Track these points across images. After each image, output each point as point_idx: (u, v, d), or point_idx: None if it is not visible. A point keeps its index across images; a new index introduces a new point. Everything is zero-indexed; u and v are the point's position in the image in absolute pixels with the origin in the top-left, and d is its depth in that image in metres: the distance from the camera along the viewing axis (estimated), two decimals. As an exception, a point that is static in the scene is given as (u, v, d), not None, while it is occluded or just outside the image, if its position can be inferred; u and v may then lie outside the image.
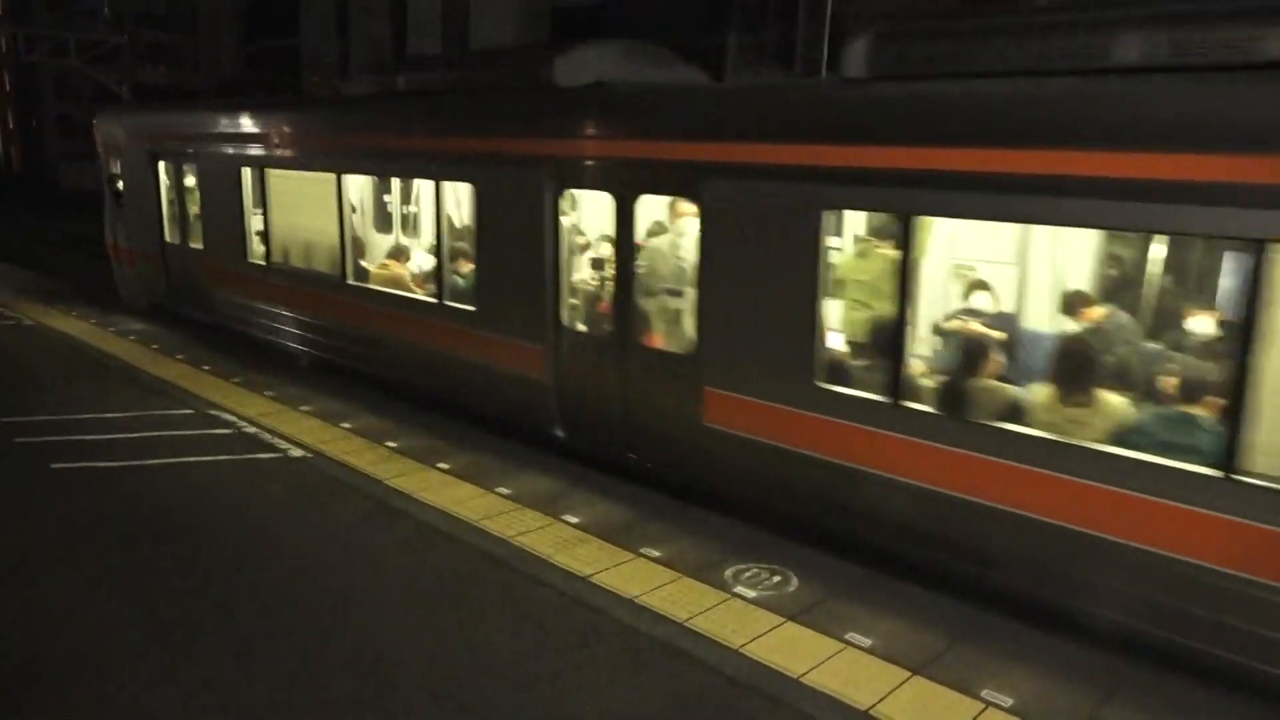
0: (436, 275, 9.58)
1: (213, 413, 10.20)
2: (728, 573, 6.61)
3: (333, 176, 10.62)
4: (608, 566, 6.68)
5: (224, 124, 12.66)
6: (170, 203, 14.04)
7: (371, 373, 10.79)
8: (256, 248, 12.37)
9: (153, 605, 6.10)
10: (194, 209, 13.54)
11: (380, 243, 11.40)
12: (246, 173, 12.20)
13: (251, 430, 9.63)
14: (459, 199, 9.80)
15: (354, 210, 10.99)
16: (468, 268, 9.38)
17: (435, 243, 9.55)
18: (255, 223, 12.45)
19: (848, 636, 5.75)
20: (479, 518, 7.51)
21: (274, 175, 11.81)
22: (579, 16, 34.74)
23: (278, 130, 11.65)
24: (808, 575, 6.57)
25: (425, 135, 9.56)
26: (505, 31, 36.52)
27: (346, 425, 9.86)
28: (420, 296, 9.95)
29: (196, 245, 13.54)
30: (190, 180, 13.50)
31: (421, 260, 10.50)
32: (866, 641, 5.70)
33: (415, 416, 10.07)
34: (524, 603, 6.21)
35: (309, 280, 11.46)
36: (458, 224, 9.87)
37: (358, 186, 11.03)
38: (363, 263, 10.99)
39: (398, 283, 10.40)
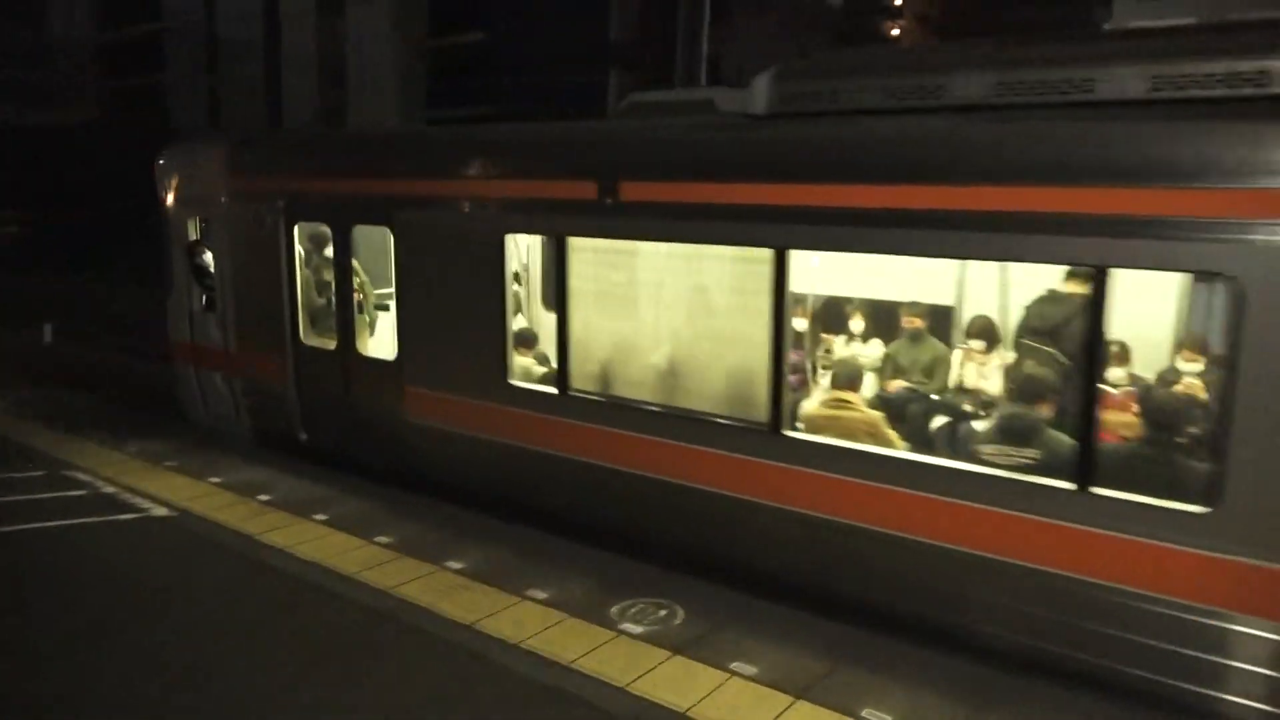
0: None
1: (67, 473, 9.57)
2: (614, 610, 6.56)
3: (768, 253, 6.17)
4: (492, 612, 6.54)
5: (467, 163, 7.95)
6: (315, 285, 9.43)
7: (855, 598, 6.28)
8: (531, 365, 8.02)
9: (-7, 687, 5.63)
10: (368, 295, 9.34)
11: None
12: (516, 243, 8.10)
13: (110, 490, 9.07)
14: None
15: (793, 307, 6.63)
16: None
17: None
18: (534, 322, 8.89)
19: (733, 666, 5.77)
20: (358, 570, 7.25)
21: (594, 249, 7.30)
22: (460, 55, 34.72)
23: (626, 177, 6.88)
24: (693, 607, 6.58)
25: None
26: (383, 71, 36.20)
27: (215, 480, 9.40)
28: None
29: (379, 354, 8.82)
30: (364, 250, 9.05)
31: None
32: (751, 670, 5.74)
33: (295, 467, 9.69)
34: (406, 655, 6.01)
35: (688, 427, 6.72)
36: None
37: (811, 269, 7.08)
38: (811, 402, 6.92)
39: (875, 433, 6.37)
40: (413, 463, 8.54)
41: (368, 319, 9.35)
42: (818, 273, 7.39)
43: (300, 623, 6.49)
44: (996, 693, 5.51)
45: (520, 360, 7.96)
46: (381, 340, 9.10)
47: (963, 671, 5.67)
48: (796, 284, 6.32)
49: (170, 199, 10.40)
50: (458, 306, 7.95)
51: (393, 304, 8.57)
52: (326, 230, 9.15)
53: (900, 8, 64.43)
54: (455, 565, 7.34)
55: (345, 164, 9.11)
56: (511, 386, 7.69)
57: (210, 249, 9.94)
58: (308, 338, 9.29)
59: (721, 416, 6.57)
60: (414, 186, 8.28)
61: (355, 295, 9.03)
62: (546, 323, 8.29)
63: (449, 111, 33.37)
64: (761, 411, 6.31)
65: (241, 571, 7.36)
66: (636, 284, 7.35)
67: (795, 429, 6.33)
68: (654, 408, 6.93)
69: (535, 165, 7.58)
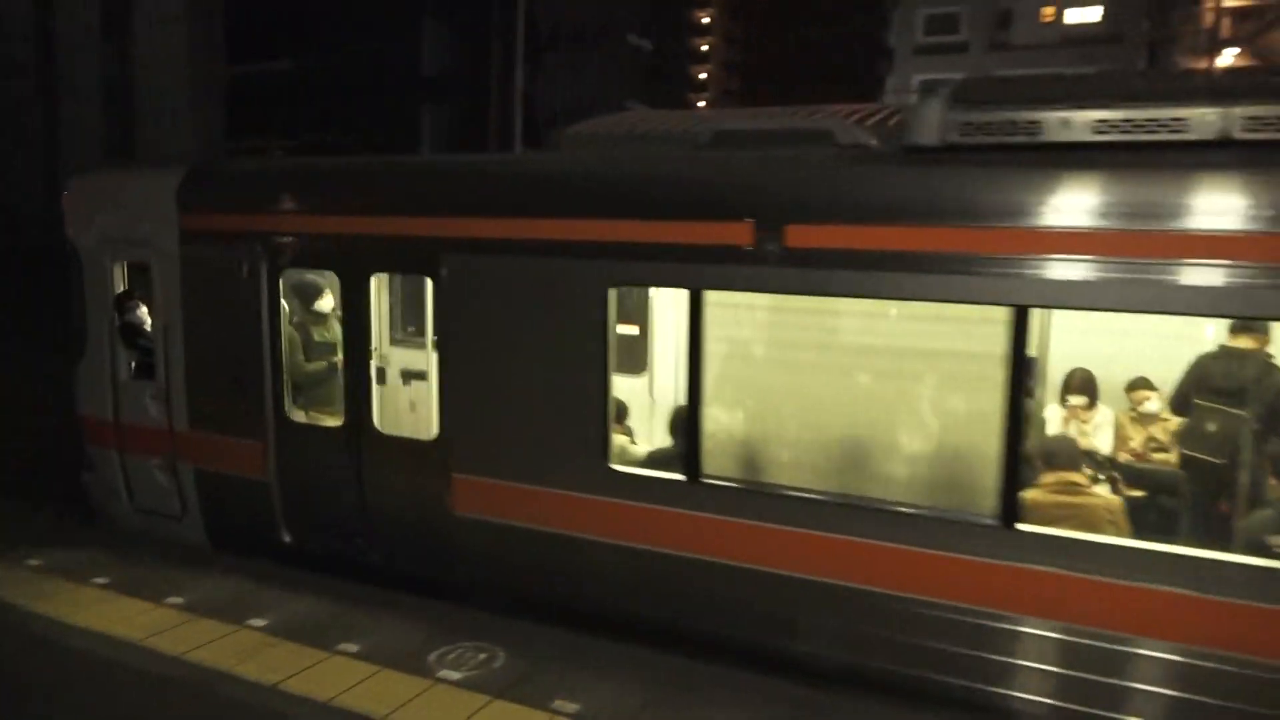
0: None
1: None
2: (432, 657, 6.32)
3: (1002, 312, 5.14)
4: (299, 670, 6.14)
5: (551, 199, 6.45)
6: (304, 347, 7.74)
7: None
8: (635, 445, 6.88)
9: None
10: (389, 360, 7.94)
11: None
12: (619, 298, 6.34)
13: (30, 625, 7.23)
14: None
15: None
16: None
17: None
18: (630, 392, 7.35)
19: (554, 705, 5.69)
20: (144, 636, 6.63)
21: (742, 305, 6.12)
22: (265, 84, 33.25)
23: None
24: (514, 648, 6.45)
25: None
26: (178, 100, 34.09)
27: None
28: None
29: (409, 433, 7.33)
30: (382, 304, 7.75)
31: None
32: (573, 707, 5.67)
33: (67, 524, 8.76)
34: (199, 725, 5.53)
35: (889, 522, 5.49)
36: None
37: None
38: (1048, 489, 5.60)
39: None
40: (459, 566, 6.83)
41: (386, 389, 7.60)
42: (1060, 333, 6.16)
43: (75, 699, 5.85)
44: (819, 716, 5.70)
45: (621, 440, 6.54)
46: (411, 415, 7.70)
47: (792, 695, 5.84)
48: (1038, 347, 5.60)
49: (85, 240, 8.07)
50: (533, 375, 6.35)
51: (430, 370, 7.25)
52: (324, 280, 7.72)
53: (707, 53, 67.62)
54: (259, 623, 6.85)
55: (361, 199, 7.13)
56: (613, 472, 6.15)
57: (146, 303, 8.01)
58: (293, 412, 7.43)
59: (929, 508, 5.41)
60: (470, 227, 6.53)
61: (372, 359, 7.23)
62: (639, 393, 7.26)
63: (251, 143, 31.84)
64: (988, 502, 5.18)
65: (5, 643, 6.56)
66: (802, 346, 6.20)
67: (1032, 520, 5.16)
68: (836, 498, 5.62)
69: (658, 203, 5.99)
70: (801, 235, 5.48)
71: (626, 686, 5.93)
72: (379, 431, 7.04)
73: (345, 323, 7.22)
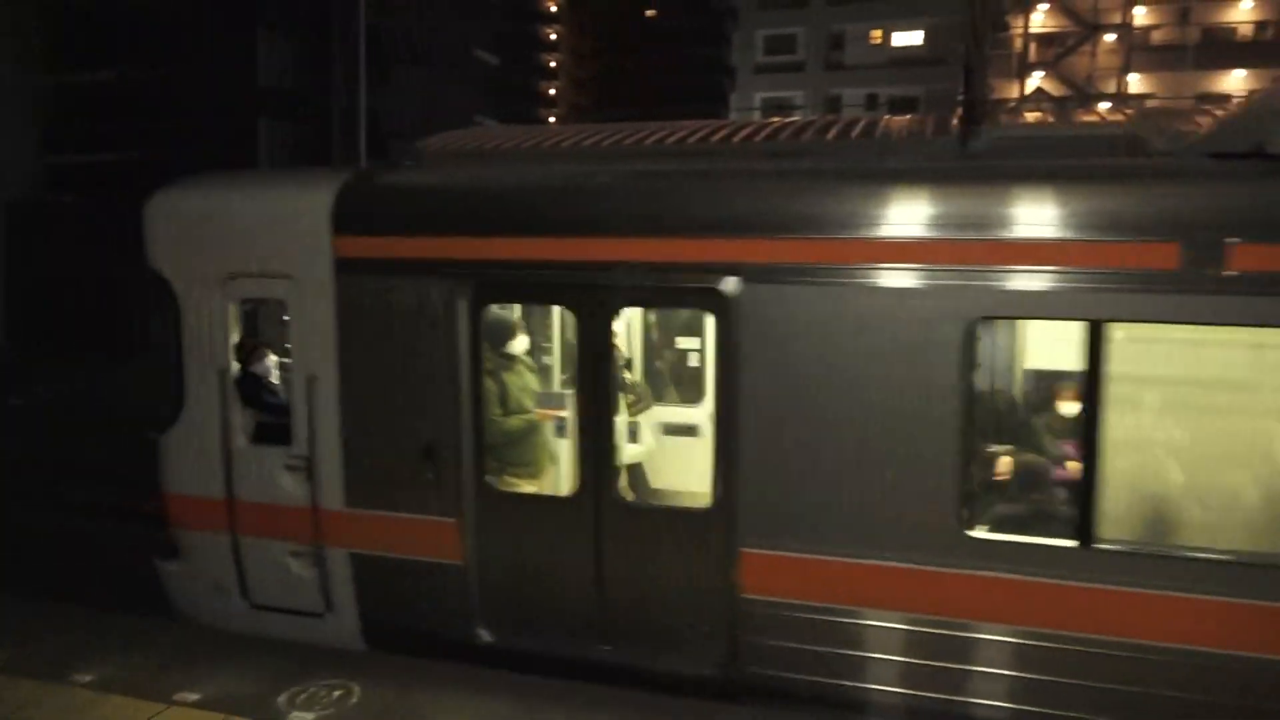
0: None
1: None
2: (281, 699, 6.07)
3: None
4: (130, 726, 5.75)
5: (901, 212, 5.19)
6: (508, 400, 6.36)
7: None
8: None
9: None
10: (644, 413, 6.99)
11: None
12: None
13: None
14: None
15: None
16: None
17: None
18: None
19: (414, 738, 5.56)
20: (-48, 703, 6.04)
21: (1161, 340, 5.30)
22: (90, 96, 30.98)
23: None
24: (371, 682, 6.26)
25: None
26: (-17, 110, 31.33)
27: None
28: None
29: (672, 501, 6.61)
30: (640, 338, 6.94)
31: None
32: (434, 738, 5.56)
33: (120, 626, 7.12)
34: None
35: None
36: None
37: None
38: None
39: None
40: (741, 663, 5.55)
41: (636, 449, 6.63)
42: None
43: None
44: None
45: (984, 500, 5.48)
46: (673, 479, 6.75)
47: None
48: None
49: (184, 273, 6.36)
50: (862, 426, 5.20)
51: (702, 424, 6.33)
52: (529, 318, 6.66)
53: (555, 69, 67.86)
54: (86, 678, 6.38)
55: (618, 214, 5.67)
56: (971, 540, 5.08)
57: (277, 351, 6.74)
58: (499, 480, 6.16)
59: None
60: (777, 249, 5.28)
61: (624, 411, 6.15)
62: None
63: (74, 158, 29.64)
64: None
65: None
66: (1249, 388, 5.24)
67: None
68: None
69: (1047, 221, 4.92)
70: (1249, 257, 4.65)
71: (491, 711, 5.87)
72: (625, 501, 5.93)
73: (588, 369, 5.79)
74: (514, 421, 6.28)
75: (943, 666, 5.16)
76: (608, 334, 5.73)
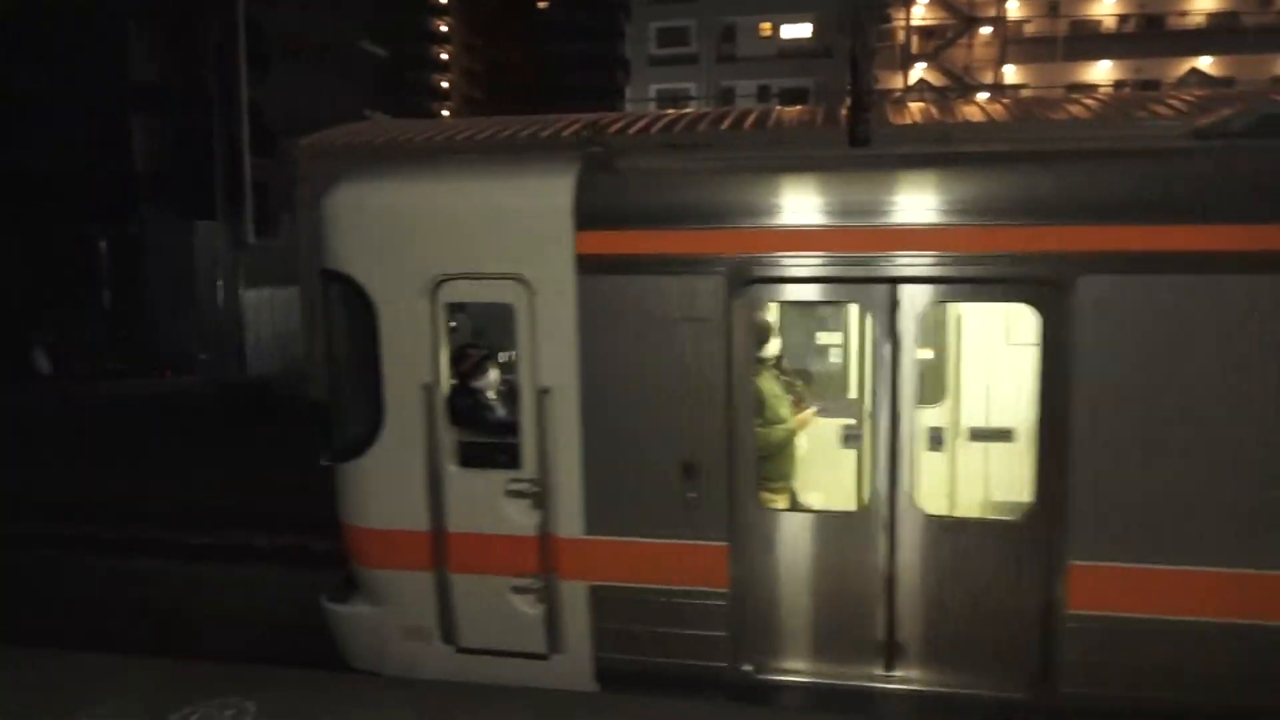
0: None
1: None
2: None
3: None
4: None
5: None
6: (774, 401, 5.93)
7: None
8: None
9: None
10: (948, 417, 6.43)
11: None
12: None
13: None
14: None
15: None
16: None
17: None
18: None
19: (316, 753, 5.36)
20: None
21: None
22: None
23: None
24: (267, 697, 6.00)
25: None
26: None
27: None
28: None
29: (984, 513, 6.23)
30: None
31: None
32: (337, 751, 5.37)
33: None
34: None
35: None
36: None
37: None
38: None
39: None
40: (1068, 682, 5.05)
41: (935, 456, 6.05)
42: None
43: None
44: None
45: None
46: (978, 488, 6.24)
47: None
48: None
49: (382, 275, 5.58)
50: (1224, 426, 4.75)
51: (1018, 428, 5.85)
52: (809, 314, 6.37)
53: (448, 62, 66.72)
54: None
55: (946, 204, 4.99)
56: None
57: (507, 358, 6.01)
58: (769, 498, 5.72)
59: None
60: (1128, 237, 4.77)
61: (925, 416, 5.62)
62: None
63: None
64: None
65: None
66: None
67: None
68: None
69: None
70: None
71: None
72: (926, 513, 5.32)
73: (881, 368, 5.25)
74: (778, 432, 5.81)
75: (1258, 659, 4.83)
76: (912, 332, 5.16)
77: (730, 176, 5.43)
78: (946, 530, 5.33)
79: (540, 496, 5.45)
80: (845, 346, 6.66)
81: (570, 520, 5.43)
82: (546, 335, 5.36)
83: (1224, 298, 4.65)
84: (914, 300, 5.12)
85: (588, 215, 5.26)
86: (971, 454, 6.40)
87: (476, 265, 5.41)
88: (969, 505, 6.26)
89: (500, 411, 5.89)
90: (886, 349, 5.19)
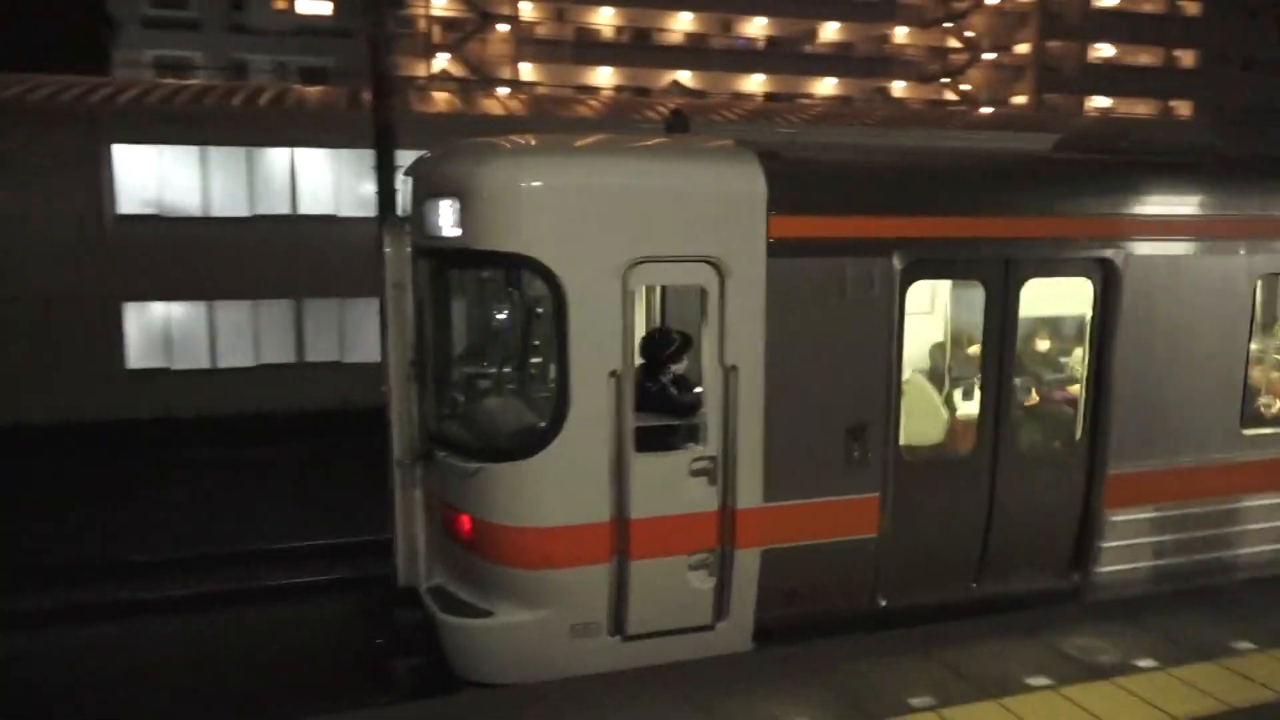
0: None
1: None
2: None
3: None
4: None
5: None
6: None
7: None
8: None
9: None
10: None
11: None
12: None
13: None
14: None
15: None
16: None
17: None
18: None
19: None
20: None
21: None
22: None
23: None
24: None
25: None
26: None
27: None
28: None
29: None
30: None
31: None
32: None
33: None
34: None
35: None
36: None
37: None
38: None
39: None
40: (1104, 567, 6.55)
41: None
42: None
43: None
44: None
45: None
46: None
47: None
48: None
49: (574, 262, 5.11)
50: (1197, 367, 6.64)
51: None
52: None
53: None
54: None
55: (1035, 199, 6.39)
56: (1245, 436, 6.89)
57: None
58: (907, 449, 6.23)
59: None
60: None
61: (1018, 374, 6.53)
62: None
63: None
64: None
65: None
66: None
67: None
68: None
69: None
70: None
71: None
72: (1018, 451, 6.38)
73: (991, 338, 6.25)
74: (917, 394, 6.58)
75: (1220, 530, 6.73)
76: (1016, 305, 6.14)
77: (905, 174, 6.19)
78: (1028, 462, 6.39)
79: (722, 472, 5.52)
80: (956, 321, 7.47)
81: (750, 491, 5.59)
82: (736, 315, 5.46)
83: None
84: (1015, 278, 6.16)
85: (779, 202, 5.49)
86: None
87: (669, 249, 5.37)
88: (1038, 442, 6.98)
89: (685, 393, 5.75)
90: (997, 320, 6.19)
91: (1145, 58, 55.17)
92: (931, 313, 7.38)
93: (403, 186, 6.46)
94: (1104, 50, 55.01)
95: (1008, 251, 6.08)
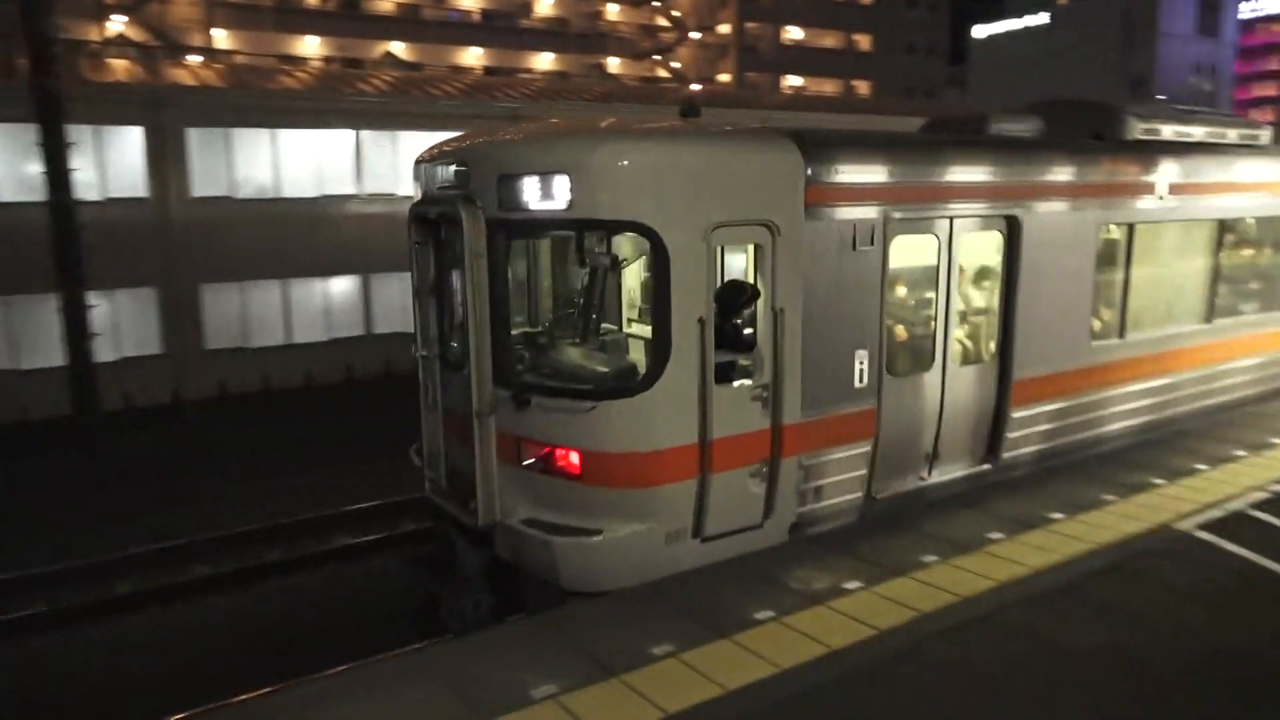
0: None
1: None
2: None
3: None
4: None
5: None
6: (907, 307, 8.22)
7: None
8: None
9: None
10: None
11: None
12: None
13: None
14: None
15: None
16: None
17: None
18: None
19: None
20: None
21: None
22: None
23: None
24: None
25: None
26: None
27: None
28: None
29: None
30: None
31: None
32: None
33: None
34: None
35: None
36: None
37: None
38: None
39: None
40: (1008, 451, 8.51)
41: None
42: None
43: None
44: None
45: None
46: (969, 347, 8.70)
47: None
48: None
49: (670, 226, 6.20)
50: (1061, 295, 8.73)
51: (992, 307, 8.52)
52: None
53: None
54: None
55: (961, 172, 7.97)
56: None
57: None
58: (895, 370, 7.73)
59: None
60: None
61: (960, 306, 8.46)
62: None
63: None
64: None
65: None
66: None
67: None
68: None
69: None
70: None
71: None
72: (959, 366, 8.12)
73: (945, 279, 7.82)
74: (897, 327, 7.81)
75: (1077, 419, 8.86)
76: (956, 253, 7.77)
77: (903, 149, 7.54)
78: (963, 374, 8.03)
79: (773, 396, 6.70)
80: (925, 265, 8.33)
81: (793, 411, 6.80)
82: (783, 267, 6.64)
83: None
84: (956, 233, 7.71)
85: (812, 176, 6.72)
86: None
87: (739, 215, 6.50)
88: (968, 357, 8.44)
89: (748, 333, 6.71)
90: (945, 265, 7.72)
91: (829, 40, 60.61)
92: (902, 262, 8.67)
93: (410, 172, 7.62)
94: (795, 33, 59.75)
95: (952, 211, 7.65)
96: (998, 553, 6.63)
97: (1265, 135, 10.71)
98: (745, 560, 6.55)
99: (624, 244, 6.55)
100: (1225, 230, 10.12)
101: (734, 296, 6.70)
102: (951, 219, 7.64)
